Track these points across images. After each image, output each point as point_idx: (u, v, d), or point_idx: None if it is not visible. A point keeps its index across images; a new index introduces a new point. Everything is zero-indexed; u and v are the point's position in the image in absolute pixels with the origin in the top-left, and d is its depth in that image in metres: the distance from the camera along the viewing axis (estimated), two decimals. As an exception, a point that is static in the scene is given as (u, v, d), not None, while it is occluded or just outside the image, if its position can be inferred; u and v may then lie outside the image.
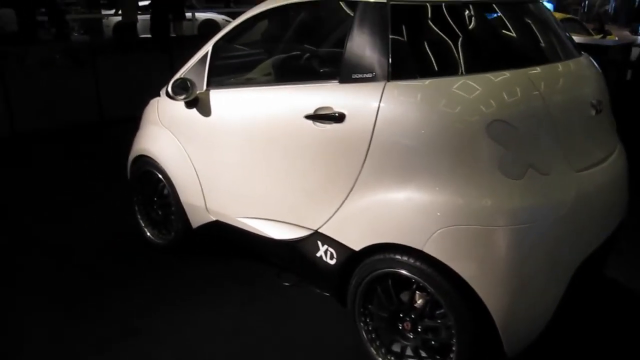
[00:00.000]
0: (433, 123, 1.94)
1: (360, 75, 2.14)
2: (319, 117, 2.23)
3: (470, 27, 2.12)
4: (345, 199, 2.21)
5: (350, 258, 2.23)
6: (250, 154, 2.58)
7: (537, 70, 2.09)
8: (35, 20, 9.94)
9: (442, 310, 2.03)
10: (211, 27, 14.47)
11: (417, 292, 2.08)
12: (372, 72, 2.10)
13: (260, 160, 2.53)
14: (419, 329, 2.12)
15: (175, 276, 3.09)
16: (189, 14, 13.65)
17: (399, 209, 2.02)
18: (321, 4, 2.47)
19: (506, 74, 2.01)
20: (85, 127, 6.21)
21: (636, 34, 14.71)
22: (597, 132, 2.25)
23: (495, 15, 2.21)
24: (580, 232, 2.04)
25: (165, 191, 3.16)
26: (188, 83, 2.74)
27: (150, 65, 6.80)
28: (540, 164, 1.94)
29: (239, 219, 2.73)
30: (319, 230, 2.35)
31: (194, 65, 2.89)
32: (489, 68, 2.02)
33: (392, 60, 2.05)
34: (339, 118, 2.16)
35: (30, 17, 9.69)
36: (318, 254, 2.38)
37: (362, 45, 2.15)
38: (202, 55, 2.86)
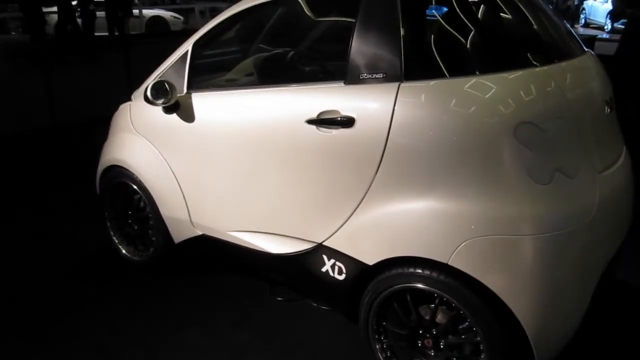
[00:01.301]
0: (456, 127, 1.80)
1: (369, 76, 1.97)
2: (323, 121, 2.05)
3: (486, 22, 1.99)
4: (356, 209, 2.04)
5: (362, 273, 2.07)
6: (242, 163, 2.37)
7: (556, 67, 1.99)
8: None
9: (465, 325, 1.90)
10: (159, 25, 13.99)
11: (440, 307, 1.94)
12: (382, 73, 1.94)
13: (255, 169, 2.33)
14: (442, 346, 1.99)
15: (157, 297, 2.84)
16: (135, 11, 13.08)
17: (420, 220, 1.88)
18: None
19: (528, 73, 1.90)
20: (36, 134, 5.76)
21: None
22: (611, 130, 2.18)
23: (506, 9, 2.09)
24: (604, 236, 1.97)
25: (142, 204, 2.90)
26: (167, 86, 2.50)
27: (103, 66, 6.40)
28: (567, 166, 1.84)
29: (229, 232, 2.52)
30: (325, 244, 2.18)
31: (172, 67, 2.65)
32: (510, 66, 1.89)
33: (405, 59, 1.90)
34: (348, 123, 1.99)
35: None
36: (323, 269, 2.20)
37: (370, 43, 1.99)
38: (180, 56, 2.62)
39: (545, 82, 1.91)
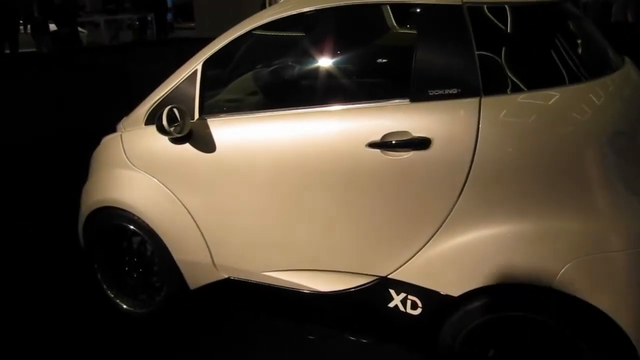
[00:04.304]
0: (549, 142, 1.69)
1: (440, 92, 1.81)
2: (390, 144, 1.86)
3: (558, 32, 1.91)
4: (432, 237, 1.87)
5: (443, 305, 1.90)
6: (284, 194, 2.10)
7: (621, 76, 1.94)
8: None
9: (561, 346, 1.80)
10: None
11: (537, 332, 1.82)
12: (456, 88, 1.79)
13: (301, 200, 2.08)
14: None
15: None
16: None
17: (514, 244, 1.74)
18: (357, 9, 2.07)
19: (602, 83, 1.83)
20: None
21: None
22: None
23: (565, 25, 2.01)
24: None
25: (144, 249, 2.53)
26: (177, 112, 2.18)
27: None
28: (653, 175, 1.80)
29: (264, 273, 2.24)
30: (391, 277, 1.98)
31: (176, 89, 2.33)
32: (587, 76, 1.81)
33: (481, 72, 1.76)
34: (422, 144, 1.81)
35: None
36: (391, 304, 2.01)
37: (437, 56, 1.83)
38: (187, 76, 2.30)
39: (619, 92, 1.87)
